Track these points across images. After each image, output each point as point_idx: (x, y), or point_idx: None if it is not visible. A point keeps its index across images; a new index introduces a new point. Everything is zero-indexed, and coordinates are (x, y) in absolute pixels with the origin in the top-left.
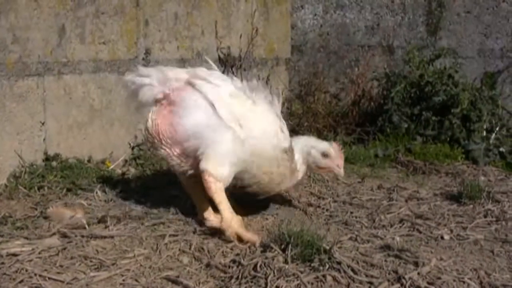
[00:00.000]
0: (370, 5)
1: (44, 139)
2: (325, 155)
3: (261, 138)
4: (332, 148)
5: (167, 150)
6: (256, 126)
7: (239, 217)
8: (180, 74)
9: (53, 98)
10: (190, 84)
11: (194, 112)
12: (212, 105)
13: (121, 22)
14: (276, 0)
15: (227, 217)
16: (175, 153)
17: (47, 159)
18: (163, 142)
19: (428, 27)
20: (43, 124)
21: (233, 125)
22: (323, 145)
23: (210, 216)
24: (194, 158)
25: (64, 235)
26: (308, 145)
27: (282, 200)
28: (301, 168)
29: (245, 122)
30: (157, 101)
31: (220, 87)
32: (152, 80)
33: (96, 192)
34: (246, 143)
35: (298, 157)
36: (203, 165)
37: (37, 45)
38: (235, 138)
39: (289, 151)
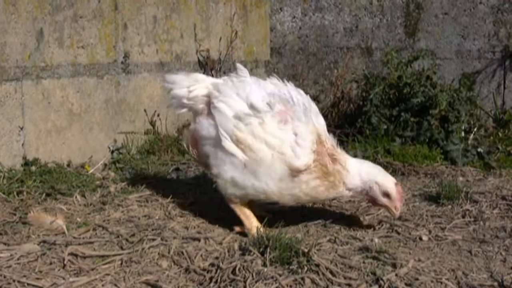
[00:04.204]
0: (348, 7)
1: (22, 144)
2: (386, 194)
3: (265, 161)
4: (395, 189)
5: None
6: (259, 149)
7: (257, 223)
8: (201, 90)
9: (32, 103)
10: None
11: (207, 142)
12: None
13: (100, 26)
14: (255, 3)
15: (247, 225)
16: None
17: (26, 164)
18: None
19: (406, 28)
20: (21, 129)
21: (235, 151)
22: (388, 185)
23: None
24: None
25: (43, 241)
26: (372, 180)
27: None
28: (352, 187)
29: (247, 147)
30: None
31: (230, 106)
32: (178, 89)
33: (76, 197)
34: (249, 167)
35: (356, 181)
36: (219, 189)
37: (15, 50)
38: (236, 165)
39: (314, 166)
